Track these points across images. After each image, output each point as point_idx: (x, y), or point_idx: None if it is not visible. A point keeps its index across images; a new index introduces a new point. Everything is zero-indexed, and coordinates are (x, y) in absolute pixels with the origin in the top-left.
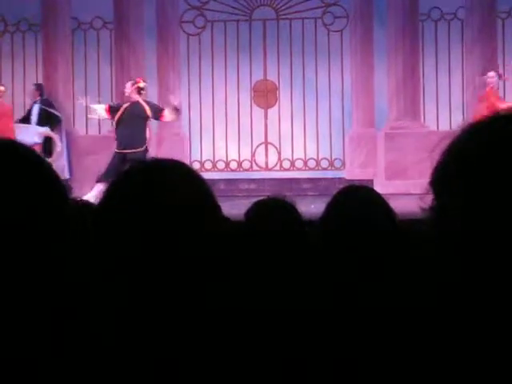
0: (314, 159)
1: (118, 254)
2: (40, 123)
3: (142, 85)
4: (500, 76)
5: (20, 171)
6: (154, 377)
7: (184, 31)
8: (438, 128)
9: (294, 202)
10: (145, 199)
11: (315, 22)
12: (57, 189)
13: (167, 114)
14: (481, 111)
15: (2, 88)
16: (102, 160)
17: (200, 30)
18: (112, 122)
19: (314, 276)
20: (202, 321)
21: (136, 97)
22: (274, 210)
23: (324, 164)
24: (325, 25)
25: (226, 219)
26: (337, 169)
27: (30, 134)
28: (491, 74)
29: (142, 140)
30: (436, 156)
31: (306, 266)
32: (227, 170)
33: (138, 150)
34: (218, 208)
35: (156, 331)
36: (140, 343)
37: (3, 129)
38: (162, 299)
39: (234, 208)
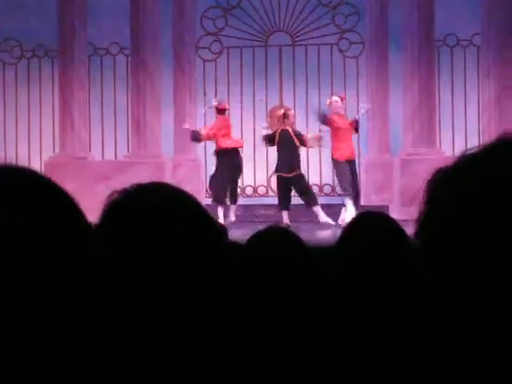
0: (329, 185)
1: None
2: None
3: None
4: (342, 99)
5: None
6: None
7: (200, 57)
8: (453, 154)
9: (296, 231)
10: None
11: (331, 48)
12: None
13: None
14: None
15: None
16: (115, 186)
17: (216, 56)
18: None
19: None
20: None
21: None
22: (269, 239)
23: (339, 189)
24: (340, 51)
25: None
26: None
27: None
28: (335, 98)
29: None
30: None
31: (308, 295)
32: (243, 196)
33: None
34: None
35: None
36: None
37: None
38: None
39: (249, 234)
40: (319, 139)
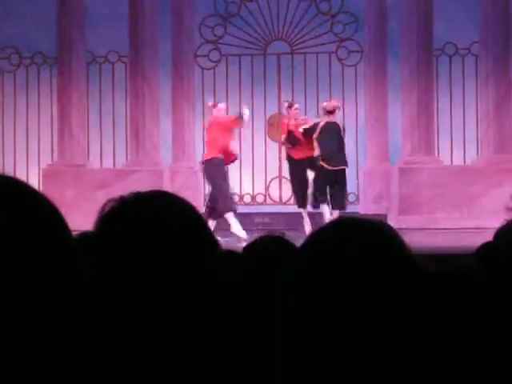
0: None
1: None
2: None
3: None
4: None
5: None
6: None
7: (199, 65)
8: (451, 163)
9: (290, 239)
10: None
11: (329, 57)
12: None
13: None
14: None
15: None
16: (114, 193)
17: (215, 64)
18: None
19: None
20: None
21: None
22: (265, 247)
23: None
24: (339, 59)
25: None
26: (350, 203)
27: None
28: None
29: None
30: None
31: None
32: (241, 204)
33: None
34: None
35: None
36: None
37: None
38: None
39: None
40: None
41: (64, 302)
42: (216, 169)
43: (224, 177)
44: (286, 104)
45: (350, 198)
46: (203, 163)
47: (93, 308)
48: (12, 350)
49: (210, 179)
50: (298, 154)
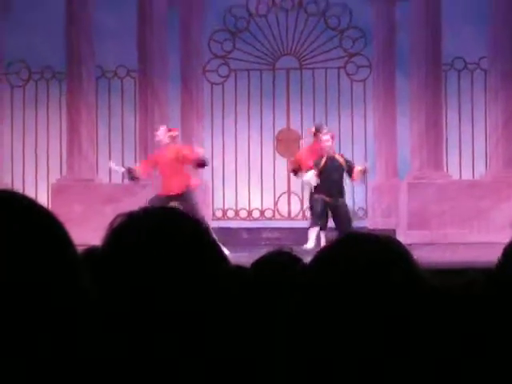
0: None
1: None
2: None
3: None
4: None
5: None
6: None
7: (208, 80)
8: (460, 178)
9: (298, 255)
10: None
11: (338, 72)
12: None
13: None
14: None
15: None
16: (122, 208)
17: (224, 79)
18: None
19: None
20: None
21: None
22: (273, 262)
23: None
24: (348, 74)
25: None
26: (359, 218)
27: None
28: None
29: None
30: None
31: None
32: (250, 219)
33: None
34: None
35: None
36: None
37: None
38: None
39: (255, 257)
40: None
41: (63, 317)
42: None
43: None
44: (313, 129)
45: (359, 212)
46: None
47: (96, 323)
48: (7, 361)
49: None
50: None
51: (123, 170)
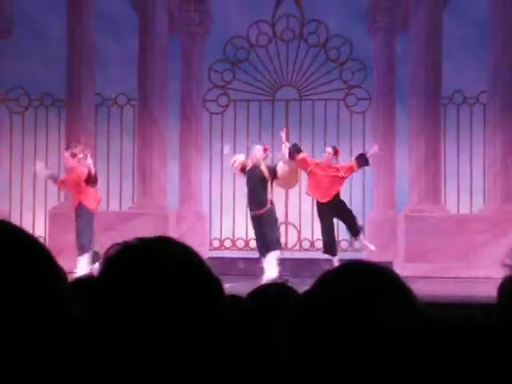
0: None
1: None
2: None
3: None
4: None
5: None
6: None
7: (207, 109)
8: (458, 211)
9: (292, 287)
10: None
11: (338, 104)
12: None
13: None
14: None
15: None
16: (118, 236)
17: (223, 109)
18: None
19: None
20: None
21: None
22: (269, 293)
23: (344, 245)
24: (347, 106)
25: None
26: (356, 250)
27: None
28: (328, 149)
29: None
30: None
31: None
32: (247, 249)
33: None
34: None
35: None
36: None
37: None
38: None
39: (251, 287)
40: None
41: (50, 344)
42: None
43: None
44: (331, 150)
45: (356, 244)
46: None
47: (85, 351)
48: None
49: None
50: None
51: (48, 172)
